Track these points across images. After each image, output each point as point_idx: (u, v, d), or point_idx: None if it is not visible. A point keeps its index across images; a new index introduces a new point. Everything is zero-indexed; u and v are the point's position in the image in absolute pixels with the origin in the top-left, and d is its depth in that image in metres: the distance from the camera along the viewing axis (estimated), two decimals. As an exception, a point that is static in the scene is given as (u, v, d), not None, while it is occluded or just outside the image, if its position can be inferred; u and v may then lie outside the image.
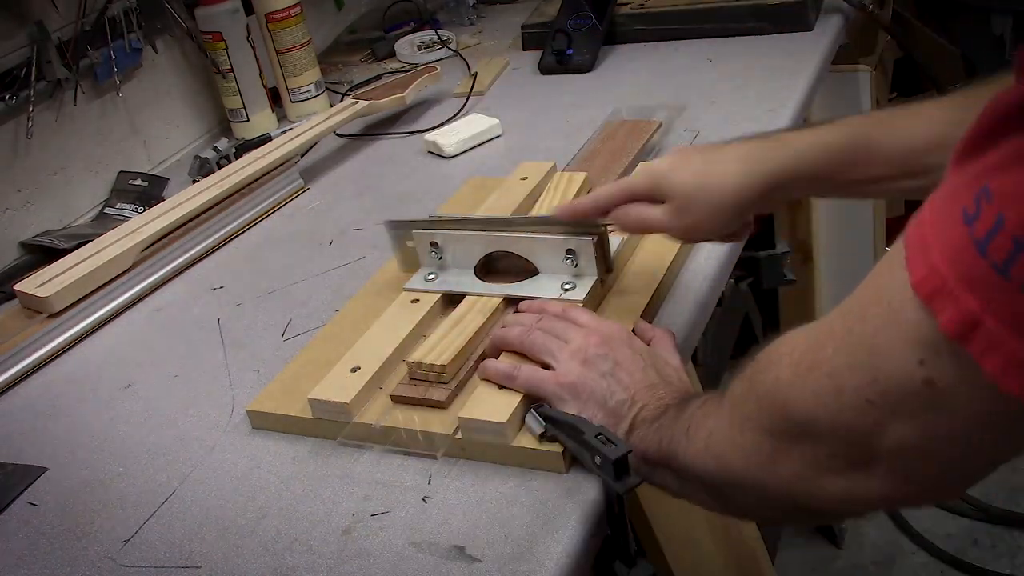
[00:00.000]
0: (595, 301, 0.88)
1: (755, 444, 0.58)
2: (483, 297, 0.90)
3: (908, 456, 0.50)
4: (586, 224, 0.87)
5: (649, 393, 0.73)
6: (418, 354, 0.82)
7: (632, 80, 1.45)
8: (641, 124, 1.19)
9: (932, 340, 0.45)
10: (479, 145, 1.33)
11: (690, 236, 0.85)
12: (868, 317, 0.49)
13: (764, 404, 0.57)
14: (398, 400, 0.81)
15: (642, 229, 0.86)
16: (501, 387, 0.78)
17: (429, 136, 1.34)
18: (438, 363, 0.81)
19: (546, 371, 0.78)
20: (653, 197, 0.82)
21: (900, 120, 0.75)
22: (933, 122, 0.73)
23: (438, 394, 0.79)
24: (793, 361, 0.54)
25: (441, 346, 0.83)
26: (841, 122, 0.77)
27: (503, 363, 0.80)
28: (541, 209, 1.02)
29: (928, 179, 0.72)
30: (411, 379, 0.82)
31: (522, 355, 0.80)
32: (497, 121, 1.34)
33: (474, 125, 1.35)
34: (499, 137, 1.35)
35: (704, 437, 0.64)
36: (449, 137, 1.32)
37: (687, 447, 0.65)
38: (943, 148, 0.69)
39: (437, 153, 1.32)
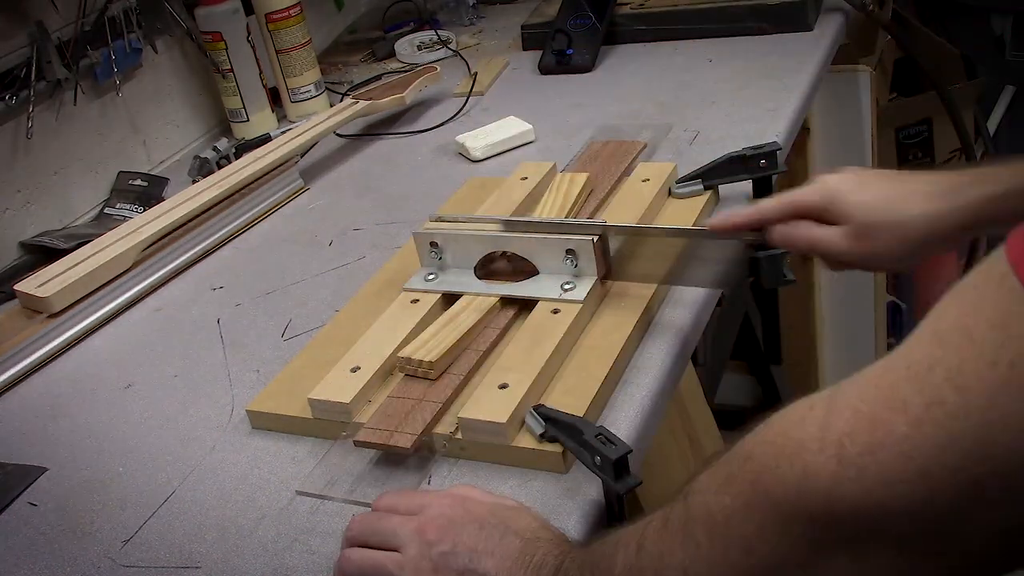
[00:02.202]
0: (595, 301, 0.88)
1: (785, 553, 0.47)
2: (479, 296, 0.90)
3: (1007, 538, 0.43)
4: (585, 224, 0.87)
5: (520, 563, 0.61)
6: (409, 350, 0.83)
7: (632, 80, 1.45)
8: (625, 145, 1.15)
9: None
10: (509, 151, 1.30)
11: (864, 263, 0.78)
12: (972, 380, 0.41)
13: (791, 505, 0.46)
14: (362, 445, 0.77)
15: (811, 250, 0.79)
16: (501, 387, 0.78)
17: (459, 138, 1.32)
18: (427, 359, 0.81)
19: None
20: (824, 215, 0.77)
21: None
22: None
23: (403, 440, 0.75)
24: (830, 442, 0.44)
25: (432, 343, 0.83)
26: None
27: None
28: (544, 210, 1.02)
29: None
30: (404, 375, 0.82)
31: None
32: (530, 127, 1.31)
33: (506, 129, 1.32)
34: (532, 143, 1.31)
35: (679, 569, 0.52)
36: (477, 140, 1.30)
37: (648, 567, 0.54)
38: None
39: (465, 156, 1.31)
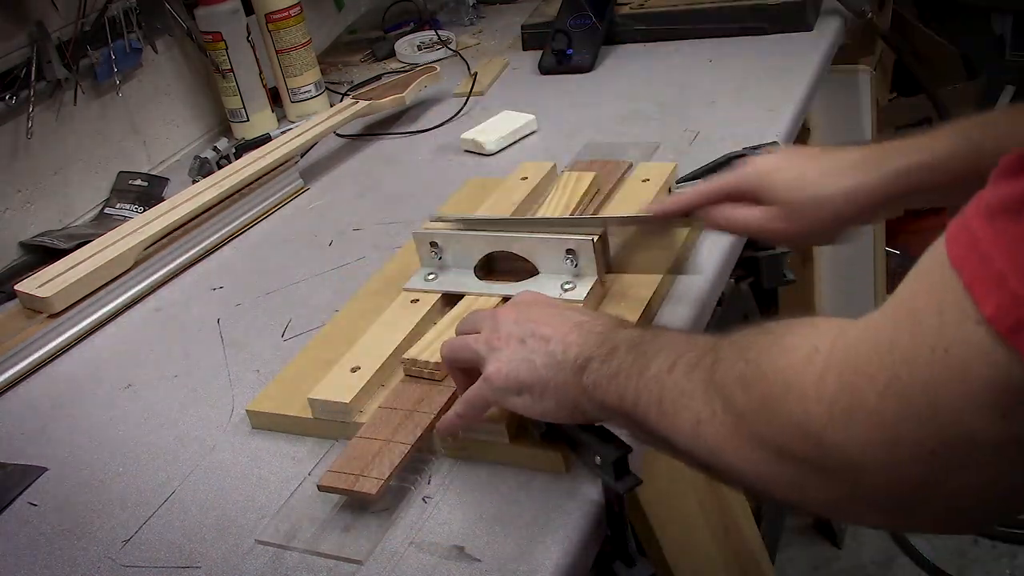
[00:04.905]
0: (595, 301, 0.88)
1: (773, 466, 0.52)
2: (482, 296, 0.90)
3: (966, 499, 0.45)
4: (585, 223, 0.87)
5: (578, 331, 0.67)
6: (413, 351, 0.83)
7: (632, 80, 1.45)
8: (610, 165, 1.13)
9: (1017, 387, 0.40)
10: (518, 141, 1.32)
11: (798, 241, 0.81)
12: (918, 363, 0.43)
13: (790, 434, 0.50)
14: (326, 490, 0.74)
15: (741, 230, 0.83)
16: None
17: (467, 134, 1.33)
18: (433, 360, 0.81)
19: (478, 382, 0.72)
20: (756, 196, 0.79)
21: (1004, 123, 0.72)
22: None
23: (368, 485, 0.72)
24: (825, 397, 0.47)
25: (436, 344, 0.83)
26: (949, 128, 0.74)
27: (446, 416, 0.75)
28: (548, 209, 1.02)
29: None
30: (407, 375, 0.82)
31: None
32: (532, 117, 1.33)
33: (510, 122, 1.33)
34: (535, 133, 1.33)
35: (691, 422, 0.57)
36: (488, 135, 1.31)
37: (663, 420, 0.59)
38: None
39: (477, 151, 1.31)
